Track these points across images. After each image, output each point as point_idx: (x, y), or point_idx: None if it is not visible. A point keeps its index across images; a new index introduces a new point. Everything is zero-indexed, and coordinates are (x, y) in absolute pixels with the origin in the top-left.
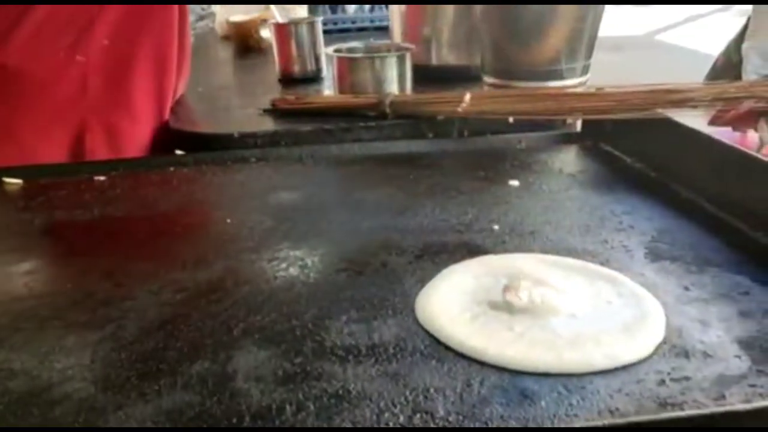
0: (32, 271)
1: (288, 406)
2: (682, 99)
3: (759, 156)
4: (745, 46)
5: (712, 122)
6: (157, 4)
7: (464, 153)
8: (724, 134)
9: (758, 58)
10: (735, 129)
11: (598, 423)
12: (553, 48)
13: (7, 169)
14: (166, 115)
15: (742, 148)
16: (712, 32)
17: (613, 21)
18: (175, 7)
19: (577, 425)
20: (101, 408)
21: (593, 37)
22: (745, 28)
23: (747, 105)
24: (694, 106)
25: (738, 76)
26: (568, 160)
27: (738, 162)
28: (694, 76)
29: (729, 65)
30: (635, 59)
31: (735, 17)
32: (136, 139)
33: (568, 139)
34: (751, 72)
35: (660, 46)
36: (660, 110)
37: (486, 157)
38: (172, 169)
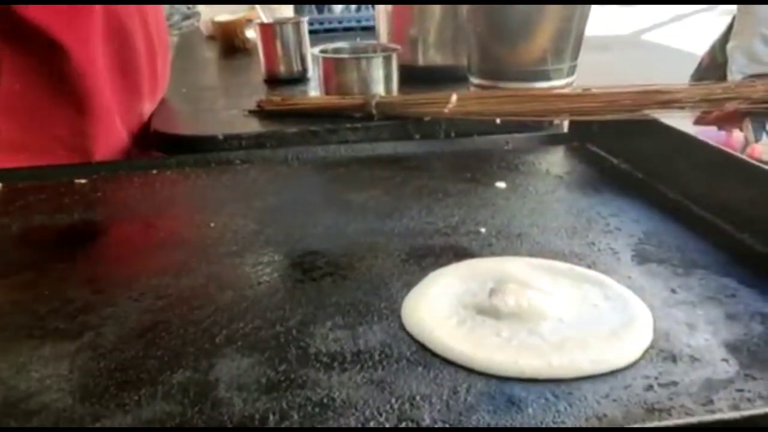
0: (9, 277)
1: (271, 416)
2: (669, 100)
3: (745, 158)
4: (730, 45)
5: (697, 122)
6: (75, 41)
7: (451, 154)
8: (708, 134)
9: (743, 57)
10: (720, 129)
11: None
12: (540, 48)
13: None
14: (102, 150)
15: (729, 150)
16: (697, 32)
17: (599, 21)
18: (98, 43)
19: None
20: (79, 419)
21: (580, 37)
22: (730, 27)
23: (733, 105)
24: (682, 107)
25: (723, 76)
26: (555, 161)
27: (724, 163)
28: (679, 76)
29: (714, 65)
30: (621, 59)
31: (720, 16)
32: None
33: (555, 140)
34: (736, 72)
35: (645, 45)
36: (647, 111)
37: (473, 158)
38: (154, 171)
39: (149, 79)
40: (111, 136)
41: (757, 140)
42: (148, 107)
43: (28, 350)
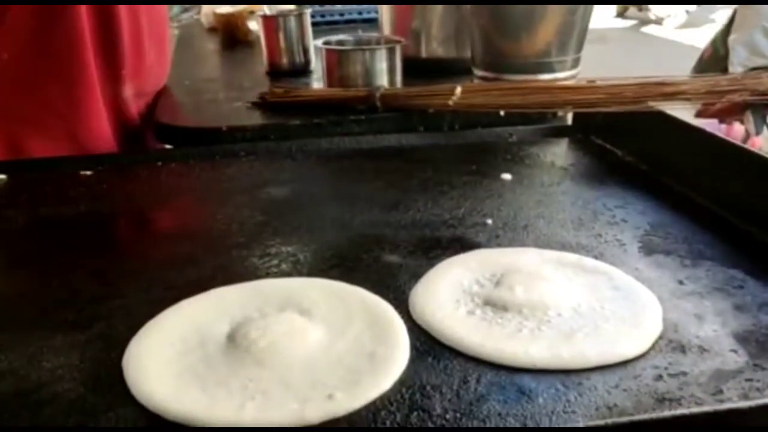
0: (17, 269)
1: None
2: (674, 92)
3: (751, 149)
4: (731, 38)
5: (699, 115)
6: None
7: (455, 146)
8: (709, 127)
9: (745, 50)
10: (721, 121)
11: (599, 422)
12: (544, 41)
13: None
14: (89, 121)
15: (735, 141)
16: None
17: (598, 12)
18: (84, 15)
19: (575, 423)
20: (91, 409)
21: (584, 29)
22: (732, 20)
23: (738, 97)
24: (687, 99)
25: (724, 69)
26: (560, 153)
27: (730, 155)
28: (679, 68)
29: (716, 57)
30: (620, 51)
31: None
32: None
33: (559, 132)
34: (737, 64)
35: (645, 38)
36: (652, 103)
37: (477, 150)
38: (159, 163)
39: (132, 62)
40: (96, 108)
41: (757, 133)
42: (130, 92)
43: (38, 341)
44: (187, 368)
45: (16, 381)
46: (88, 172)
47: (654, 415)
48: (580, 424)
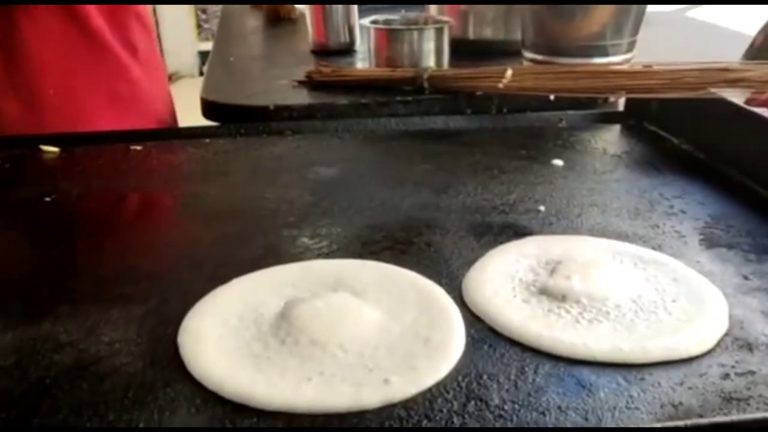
0: (71, 242)
1: None
2: (737, 78)
3: None
4: None
5: (747, 104)
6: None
7: (503, 130)
8: None
9: None
10: None
11: (678, 423)
12: (599, 23)
13: (44, 136)
14: None
15: None
16: (746, 10)
17: None
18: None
19: (639, 420)
20: (150, 384)
21: (641, 11)
22: None
23: None
24: (749, 86)
25: None
26: (612, 139)
27: None
28: (727, 55)
29: None
30: (665, 36)
31: None
32: None
33: (610, 118)
34: None
35: (691, 22)
36: (714, 90)
37: (526, 135)
38: (207, 140)
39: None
40: None
41: None
42: None
43: (96, 315)
44: (242, 346)
45: (75, 353)
46: (138, 147)
47: (729, 417)
48: (646, 423)
